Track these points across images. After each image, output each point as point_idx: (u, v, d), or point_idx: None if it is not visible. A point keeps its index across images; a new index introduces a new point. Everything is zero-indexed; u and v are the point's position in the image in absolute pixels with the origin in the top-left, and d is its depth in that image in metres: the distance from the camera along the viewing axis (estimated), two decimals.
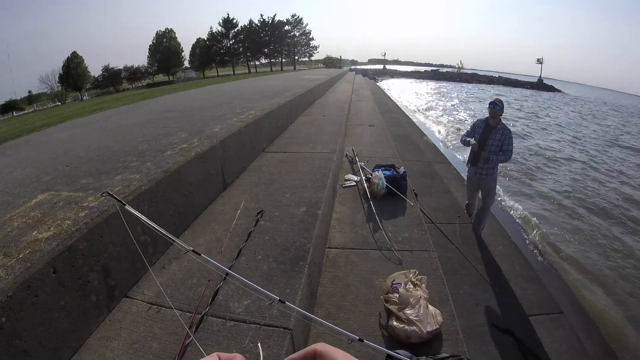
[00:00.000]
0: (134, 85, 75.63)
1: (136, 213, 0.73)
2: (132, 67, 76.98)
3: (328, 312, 2.53)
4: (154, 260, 2.48)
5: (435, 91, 55.60)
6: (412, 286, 2.56)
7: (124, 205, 0.80)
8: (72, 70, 65.91)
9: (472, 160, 6.00)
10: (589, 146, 20.07)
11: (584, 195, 11.58)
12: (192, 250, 0.72)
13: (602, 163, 16.09)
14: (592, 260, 7.39)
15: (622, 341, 5.12)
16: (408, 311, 2.34)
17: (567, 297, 5.76)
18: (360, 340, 0.99)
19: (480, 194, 6.23)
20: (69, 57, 67.24)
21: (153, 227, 0.68)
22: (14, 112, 53.07)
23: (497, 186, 6.19)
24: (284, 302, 0.86)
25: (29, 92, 69.85)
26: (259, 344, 1.03)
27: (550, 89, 76.24)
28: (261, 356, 0.58)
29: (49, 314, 1.67)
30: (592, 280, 6.58)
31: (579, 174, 14.12)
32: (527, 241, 7.73)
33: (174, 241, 0.68)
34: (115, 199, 0.83)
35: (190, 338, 1.69)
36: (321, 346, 0.46)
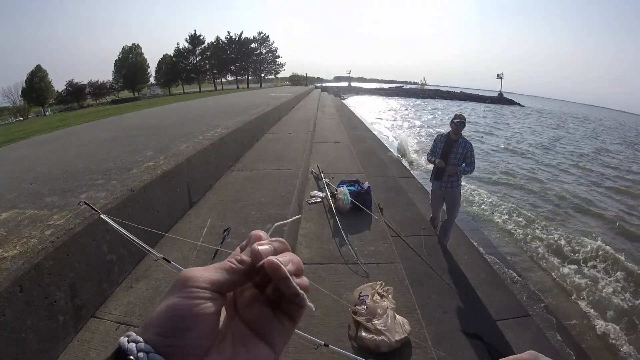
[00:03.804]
0: (98, 102, 73.78)
1: (111, 222, 0.77)
2: (97, 82, 74.98)
3: (297, 326, 2.54)
4: (121, 280, 2.45)
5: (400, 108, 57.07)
6: (379, 297, 2.61)
7: (99, 214, 0.83)
8: (36, 85, 63.73)
9: (436, 175, 6.12)
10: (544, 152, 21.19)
11: (544, 200, 12.37)
12: (163, 258, 0.75)
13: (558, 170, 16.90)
14: (555, 263, 7.72)
15: (590, 338, 5.35)
16: (376, 321, 2.39)
17: (533, 300, 5.96)
18: (326, 345, 1.03)
19: (445, 207, 6.36)
20: (32, 70, 65.07)
21: (126, 234, 0.71)
22: None
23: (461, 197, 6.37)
24: None
25: None
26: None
27: (510, 102, 79.07)
28: (270, 230, 0.56)
29: (17, 334, 1.64)
30: (557, 283, 6.82)
31: (538, 181, 14.92)
32: (491, 249, 7.92)
33: (145, 248, 0.71)
34: (92, 207, 0.86)
35: None
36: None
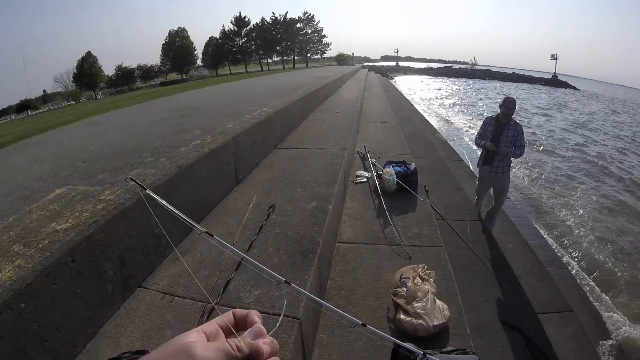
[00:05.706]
0: (147, 84, 76.54)
1: (156, 197, 0.79)
2: (145, 66, 78.05)
3: (337, 304, 2.55)
4: (168, 253, 2.54)
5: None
6: (420, 280, 2.58)
7: (145, 189, 0.85)
8: (86, 70, 67.21)
9: (486, 160, 5.99)
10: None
11: (600, 192, 11.60)
12: (206, 232, 0.77)
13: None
14: (605, 259, 7.35)
15: (633, 341, 5.09)
16: (416, 304, 2.37)
17: (578, 295, 5.70)
18: (363, 325, 1.03)
19: (492, 192, 6.21)
20: (83, 56, 68.69)
21: (170, 209, 0.73)
22: (29, 111, 53.97)
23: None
24: (290, 284, 0.90)
25: (44, 91, 71.47)
26: (285, 300, 1.11)
27: (565, 84, 74.90)
28: (283, 309, 0.68)
29: (67, 301, 1.73)
30: (605, 279, 6.53)
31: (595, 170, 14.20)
32: (539, 239, 7.67)
33: (189, 222, 0.73)
34: (138, 184, 0.89)
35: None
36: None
